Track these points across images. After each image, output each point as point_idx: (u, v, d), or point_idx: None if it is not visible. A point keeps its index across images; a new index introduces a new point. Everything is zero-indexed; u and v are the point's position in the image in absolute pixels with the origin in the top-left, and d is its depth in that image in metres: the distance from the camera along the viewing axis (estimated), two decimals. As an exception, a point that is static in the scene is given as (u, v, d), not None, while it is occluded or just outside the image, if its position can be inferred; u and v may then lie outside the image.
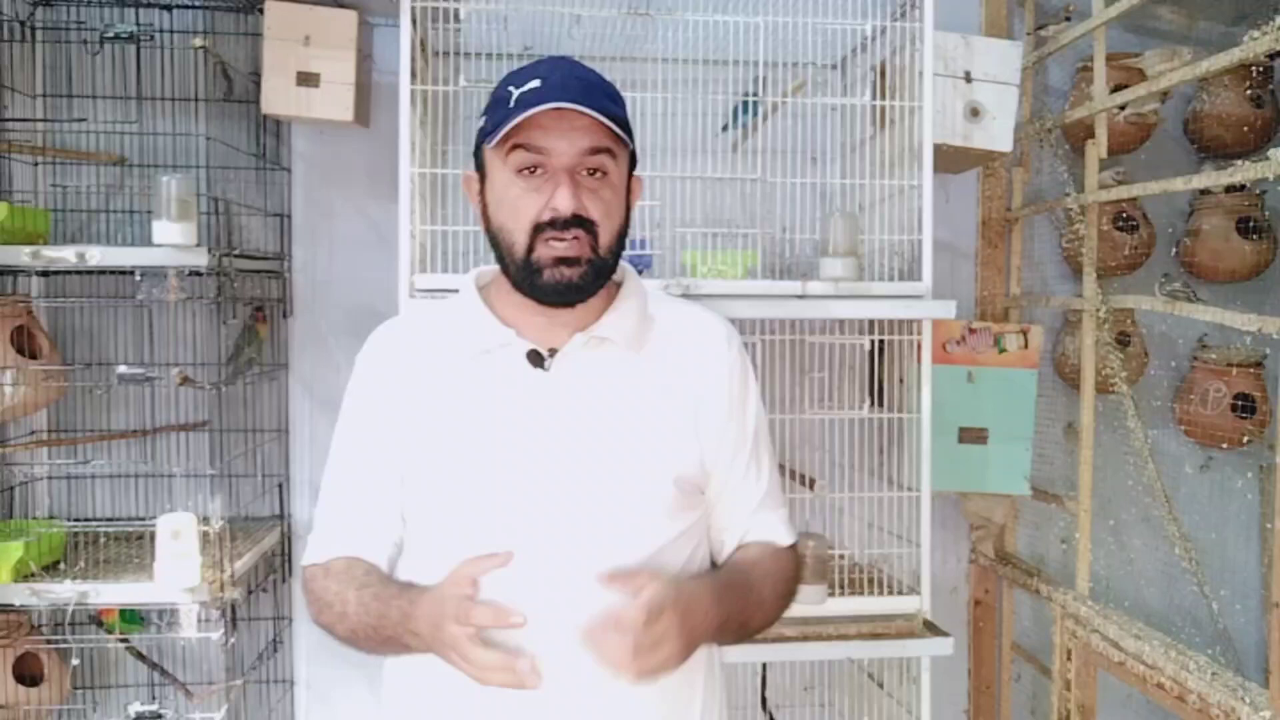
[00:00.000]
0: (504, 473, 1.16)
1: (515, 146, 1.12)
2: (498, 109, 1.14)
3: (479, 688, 1.08)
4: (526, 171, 1.13)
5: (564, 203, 1.10)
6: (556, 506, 1.15)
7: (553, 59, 1.18)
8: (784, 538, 1.29)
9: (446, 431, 1.18)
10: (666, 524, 1.18)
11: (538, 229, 1.12)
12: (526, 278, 1.14)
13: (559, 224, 1.11)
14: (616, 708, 1.14)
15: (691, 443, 1.21)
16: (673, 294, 1.70)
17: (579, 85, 1.12)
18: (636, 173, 1.24)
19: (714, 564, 1.30)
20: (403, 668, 1.22)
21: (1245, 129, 2.47)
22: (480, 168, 1.20)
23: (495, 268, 1.24)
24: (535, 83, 1.11)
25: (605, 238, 1.15)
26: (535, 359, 1.18)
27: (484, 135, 1.16)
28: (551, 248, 1.12)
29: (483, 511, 1.16)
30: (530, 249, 1.13)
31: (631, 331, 1.21)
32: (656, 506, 1.18)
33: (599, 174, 1.14)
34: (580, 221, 1.12)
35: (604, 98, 1.13)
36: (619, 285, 1.24)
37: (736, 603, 1.17)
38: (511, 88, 1.13)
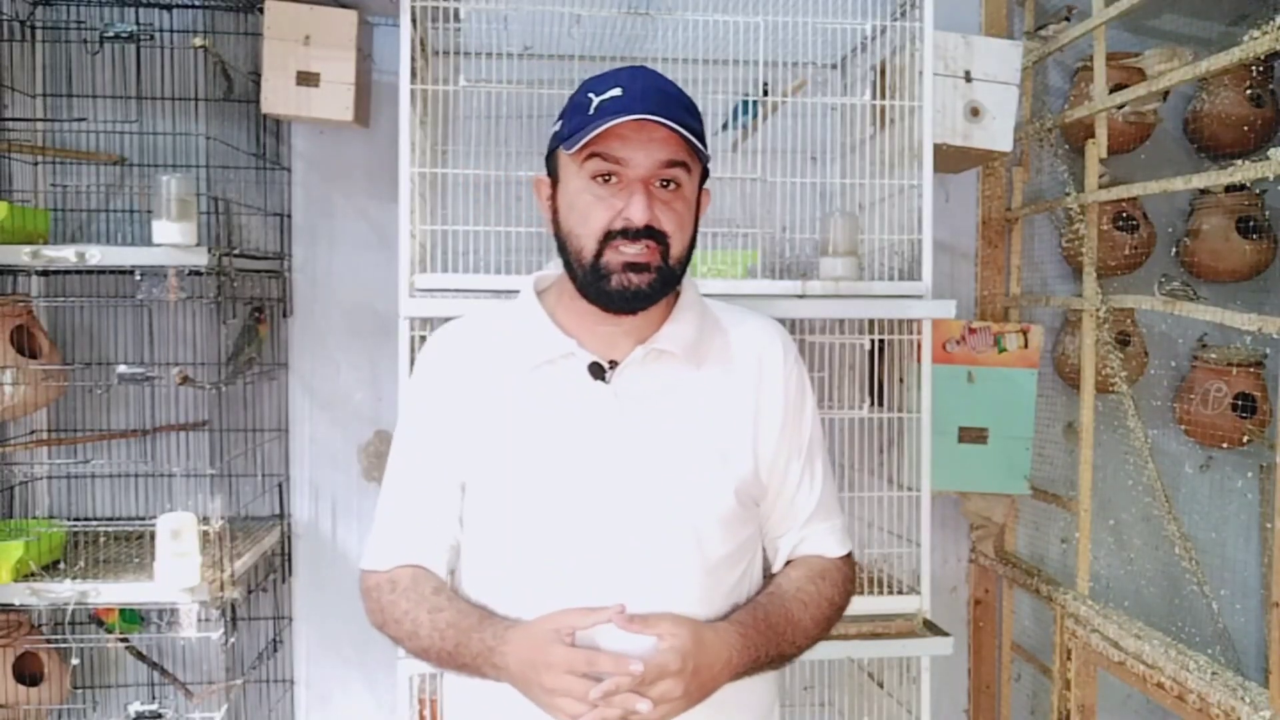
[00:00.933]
0: (565, 485, 1.17)
1: (592, 154, 1.12)
2: (576, 115, 1.14)
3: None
4: (601, 179, 1.13)
5: (638, 214, 1.11)
6: (617, 520, 1.15)
7: (633, 68, 1.18)
8: (836, 549, 1.29)
9: (508, 443, 1.19)
10: (724, 538, 1.19)
11: (608, 236, 1.13)
12: (593, 283, 1.15)
13: (630, 233, 1.12)
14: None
15: (749, 457, 1.21)
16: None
17: (659, 96, 1.12)
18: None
19: (765, 571, 1.31)
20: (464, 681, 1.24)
21: (1245, 129, 2.47)
22: (552, 172, 1.21)
23: (554, 273, 1.25)
24: (616, 91, 1.12)
25: (676, 249, 1.15)
26: (596, 371, 1.19)
27: (559, 140, 1.17)
28: (621, 253, 1.13)
29: (543, 524, 1.17)
30: (599, 254, 1.13)
31: (690, 343, 1.21)
32: (715, 521, 1.18)
33: (673, 185, 1.14)
34: (652, 233, 1.13)
35: (683, 111, 1.14)
36: (677, 295, 1.25)
37: (770, 642, 1.17)
38: (591, 94, 1.13)
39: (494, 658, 1.11)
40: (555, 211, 1.19)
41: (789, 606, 1.21)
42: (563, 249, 1.18)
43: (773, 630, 1.18)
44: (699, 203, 1.21)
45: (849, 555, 1.31)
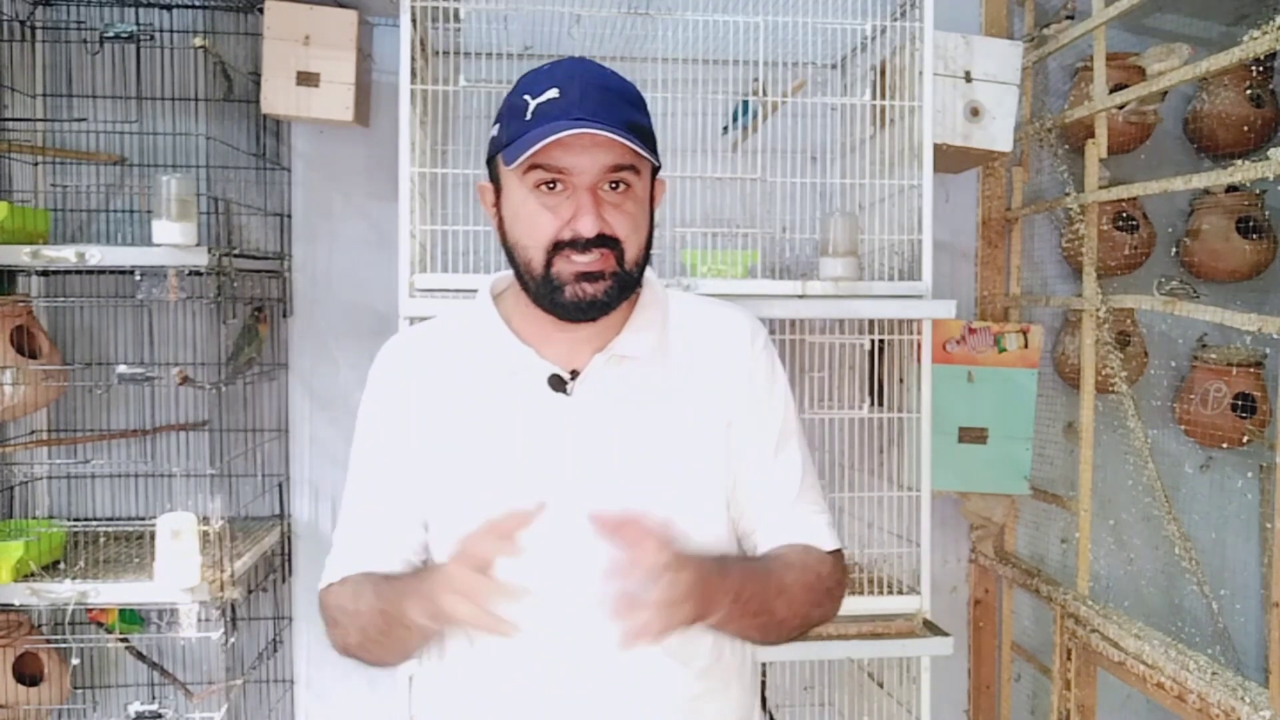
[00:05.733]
0: (529, 503, 1.10)
1: (534, 165, 1.05)
2: (513, 120, 1.06)
3: (508, 690, 1.10)
4: (545, 187, 1.06)
5: (587, 226, 1.04)
6: (582, 538, 1.08)
7: (570, 61, 1.10)
8: (823, 542, 1.19)
9: (467, 459, 1.13)
10: (694, 546, 1.12)
11: (556, 246, 1.06)
12: (546, 295, 1.08)
13: (580, 244, 1.05)
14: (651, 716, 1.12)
15: (719, 456, 1.16)
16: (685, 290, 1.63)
17: (599, 95, 1.05)
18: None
19: None
20: (433, 676, 1.21)
21: (1245, 129, 2.47)
22: (494, 178, 1.13)
23: (510, 273, 1.17)
24: (553, 92, 1.04)
25: (631, 252, 1.09)
26: (556, 384, 1.13)
27: (498, 147, 1.09)
28: (572, 263, 1.06)
29: (517, 560, 1.09)
30: (548, 265, 1.07)
31: (652, 345, 1.15)
32: (684, 530, 1.11)
33: (622, 186, 1.07)
34: (604, 240, 1.06)
35: (626, 106, 1.07)
36: (637, 293, 1.17)
37: (750, 580, 1.08)
38: (527, 96, 1.06)
39: (416, 584, 1.05)
40: (500, 220, 1.13)
41: (767, 561, 1.15)
42: (511, 259, 1.11)
43: (749, 570, 1.10)
44: (653, 196, 1.14)
45: (838, 552, 1.22)
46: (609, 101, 1.05)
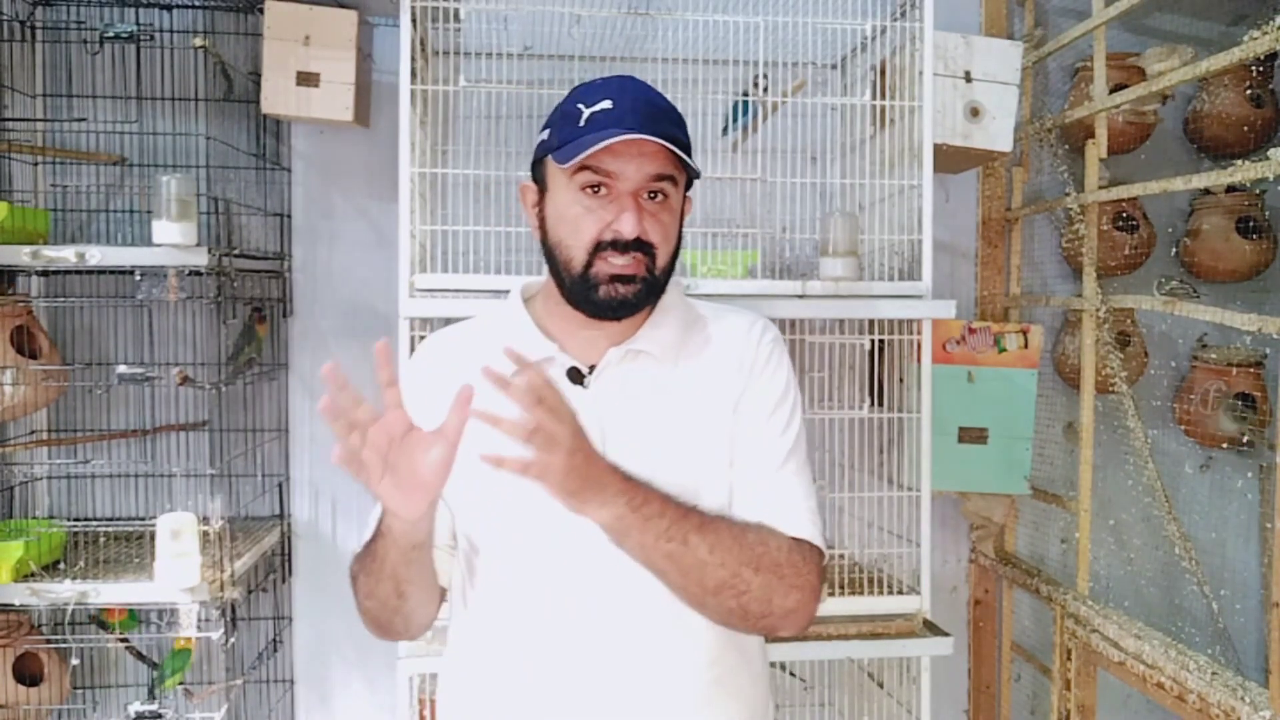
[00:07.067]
0: (543, 491, 1.12)
1: (583, 167, 1.13)
2: (566, 125, 1.15)
3: (527, 666, 1.14)
4: (590, 190, 1.15)
5: (628, 228, 1.13)
6: (596, 526, 1.11)
7: (621, 78, 1.20)
8: (792, 525, 1.16)
9: (485, 445, 1.14)
10: None
11: (597, 247, 1.15)
12: (582, 292, 1.16)
13: (620, 245, 1.14)
14: (658, 713, 1.15)
15: (726, 448, 1.21)
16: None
17: (649, 111, 1.14)
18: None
19: None
20: (454, 656, 1.25)
21: (1245, 129, 2.47)
22: (539, 179, 1.22)
23: (540, 280, 1.28)
24: (606, 103, 1.14)
25: (661, 259, 1.18)
26: (575, 376, 1.20)
27: (548, 150, 1.18)
28: (610, 264, 1.14)
29: (524, 529, 1.16)
30: (588, 265, 1.15)
31: (668, 344, 1.23)
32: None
33: (660, 197, 1.16)
34: (640, 244, 1.15)
35: (670, 125, 1.16)
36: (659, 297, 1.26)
37: (657, 499, 1.06)
38: (581, 105, 1.15)
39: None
40: (543, 219, 1.21)
41: (702, 510, 1.11)
42: (550, 257, 1.20)
43: (665, 498, 1.07)
44: (683, 210, 1.24)
45: (810, 545, 1.17)
46: (656, 117, 1.15)
